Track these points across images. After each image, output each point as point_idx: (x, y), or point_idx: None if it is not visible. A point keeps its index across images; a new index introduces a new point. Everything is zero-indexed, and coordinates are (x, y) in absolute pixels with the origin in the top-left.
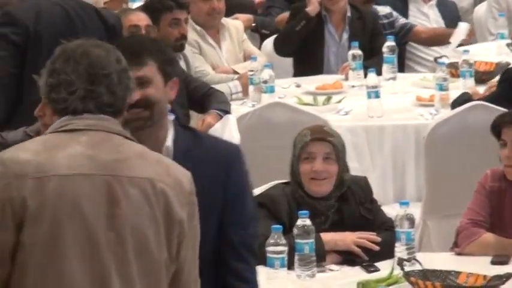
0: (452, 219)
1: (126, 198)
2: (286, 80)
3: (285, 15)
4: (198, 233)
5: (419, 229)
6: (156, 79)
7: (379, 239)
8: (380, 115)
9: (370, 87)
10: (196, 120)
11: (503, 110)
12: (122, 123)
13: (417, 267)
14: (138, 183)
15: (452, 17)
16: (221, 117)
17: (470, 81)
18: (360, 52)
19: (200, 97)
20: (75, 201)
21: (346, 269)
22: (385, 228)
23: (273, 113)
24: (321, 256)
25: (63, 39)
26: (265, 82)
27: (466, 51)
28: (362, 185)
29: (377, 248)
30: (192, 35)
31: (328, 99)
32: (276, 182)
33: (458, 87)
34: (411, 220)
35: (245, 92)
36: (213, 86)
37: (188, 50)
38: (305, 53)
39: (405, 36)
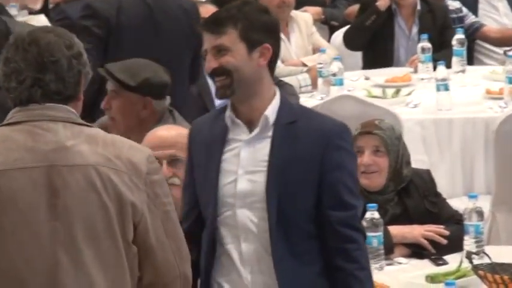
0: None
1: (67, 187)
2: (355, 73)
3: (355, 7)
4: (170, 209)
5: (488, 222)
6: (236, 47)
7: (447, 232)
8: (449, 108)
9: (439, 80)
10: None
11: None
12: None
13: (486, 260)
14: (81, 171)
15: None
16: None
17: None
18: (429, 45)
19: None
20: (9, 196)
21: (415, 261)
22: (454, 221)
23: (341, 106)
24: (389, 249)
25: (143, 31)
26: (334, 75)
27: None
28: (425, 178)
29: (445, 241)
30: None
31: (397, 92)
32: None
33: None
34: (480, 213)
35: (314, 85)
36: (282, 78)
37: None
38: (375, 47)
39: (473, 34)
